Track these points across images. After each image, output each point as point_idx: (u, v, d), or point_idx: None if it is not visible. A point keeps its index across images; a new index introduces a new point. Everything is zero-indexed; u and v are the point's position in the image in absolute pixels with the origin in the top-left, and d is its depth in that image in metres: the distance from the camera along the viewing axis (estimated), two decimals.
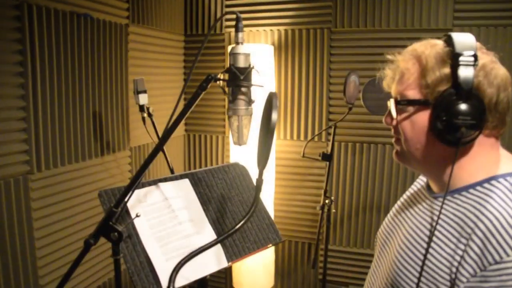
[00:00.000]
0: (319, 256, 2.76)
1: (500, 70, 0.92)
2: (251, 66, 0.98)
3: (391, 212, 1.21)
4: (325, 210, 2.21)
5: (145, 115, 2.02)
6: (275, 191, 2.74)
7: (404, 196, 1.21)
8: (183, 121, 3.01)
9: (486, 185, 0.90)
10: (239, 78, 0.97)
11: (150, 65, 2.54)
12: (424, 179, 1.17)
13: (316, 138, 2.77)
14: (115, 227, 1.06)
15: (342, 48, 2.67)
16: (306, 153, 2.28)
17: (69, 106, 1.89)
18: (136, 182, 1.04)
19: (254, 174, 1.64)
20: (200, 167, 3.04)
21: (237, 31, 1.01)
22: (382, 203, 2.67)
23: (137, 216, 1.12)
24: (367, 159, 2.68)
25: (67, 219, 1.90)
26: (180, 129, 3.01)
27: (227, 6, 2.86)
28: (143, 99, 1.99)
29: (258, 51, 2.55)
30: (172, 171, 2.15)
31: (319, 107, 2.74)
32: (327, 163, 2.22)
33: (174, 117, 1.01)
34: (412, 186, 1.22)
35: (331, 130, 2.25)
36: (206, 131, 3.03)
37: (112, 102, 2.18)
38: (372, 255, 2.73)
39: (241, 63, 0.98)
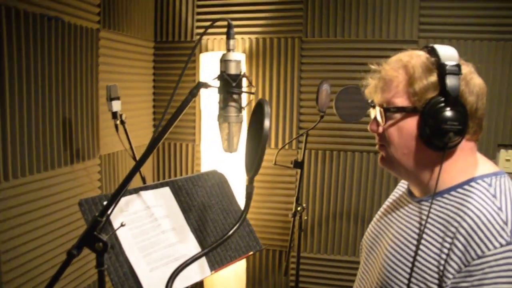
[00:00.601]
0: (290, 264, 2.77)
1: (478, 80, 0.99)
2: (242, 73, 0.98)
3: (374, 219, 1.25)
4: (297, 217, 2.23)
5: (118, 122, 1.98)
6: None
7: (387, 202, 1.25)
8: (152, 129, 2.98)
9: (466, 187, 0.96)
10: (231, 85, 0.96)
11: (120, 71, 2.49)
12: (405, 185, 1.21)
13: (286, 146, 2.79)
14: (99, 237, 1.02)
15: (312, 57, 2.72)
16: (278, 161, 2.29)
17: (38, 112, 1.82)
18: (122, 190, 1.01)
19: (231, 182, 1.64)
20: (170, 176, 2.99)
21: (228, 38, 1.00)
22: (352, 210, 2.73)
23: (122, 225, 1.09)
24: (337, 167, 2.73)
25: (35, 230, 1.81)
26: (149, 137, 2.95)
27: (198, 13, 2.86)
28: (116, 105, 1.94)
29: None
30: (144, 180, 2.11)
31: (289, 115, 2.77)
32: (299, 170, 2.25)
33: (163, 122, 0.99)
34: (394, 193, 1.26)
35: (303, 138, 2.28)
36: (176, 139, 2.98)
37: (82, 108, 2.11)
38: (344, 261, 2.81)
39: (233, 70, 0.98)
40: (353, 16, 2.61)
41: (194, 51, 1.01)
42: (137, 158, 2.05)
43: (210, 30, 2.82)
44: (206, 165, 2.62)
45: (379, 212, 1.25)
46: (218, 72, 1.00)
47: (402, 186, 1.23)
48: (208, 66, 2.58)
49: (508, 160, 2.46)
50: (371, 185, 2.69)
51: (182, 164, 2.98)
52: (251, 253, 1.46)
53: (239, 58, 0.99)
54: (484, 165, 1.01)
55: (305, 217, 2.47)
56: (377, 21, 2.58)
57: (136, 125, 2.64)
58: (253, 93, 0.98)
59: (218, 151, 2.54)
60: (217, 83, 1.01)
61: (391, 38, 2.57)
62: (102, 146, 2.29)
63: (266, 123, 0.90)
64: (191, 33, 2.87)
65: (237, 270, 2.62)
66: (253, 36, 2.76)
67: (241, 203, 1.61)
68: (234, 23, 1.08)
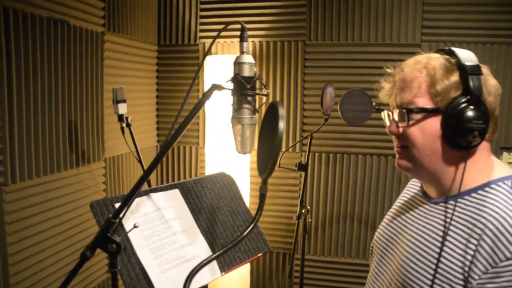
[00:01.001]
0: (294, 266, 2.78)
1: (493, 81, 1.01)
2: (256, 75, 0.99)
3: (386, 220, 1.24)
4: (302, 219, 2.23)
5: (124, 125, 1.98)
6: (250, 201, 2.74)
7: (398, 203, 1.25)
8: (155, 132, 2.98)
9: (487, 189, 0.96)
10: (245, 87, 0.97)
11: (124, 74, 2.50)
12: (416, 187, 1.21)
13: (291, 149, 2.80)
14: (113, 238, 1.02)
15: (315, 60, 2.73)
16: (282, 163, 2.29)
17: (45, 115, 1.82)
18: (136, 191, 1.01)
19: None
20: (173, 179, 2.99)
21: (241, 41, 1.01)
22: (356, 212, 2.73)
23: (135, 226, 1.09)
24: (340, 169, 2.74)
25: (42, 232, 1.81)
26: (152, 140, 2.96)
27: (202, 17, 2.87)
28: (123, 108, 1.95)
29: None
30: (149, 183, 2.11)
31: (293, 118, 2.78)
32: (303, 173, 2.26)
33: (176, 126, 1.00)
34: (404, 194, 1.26)
35: (307, 141, 2.28)
36: (179, 142, 2.98)
37: (87, 111, 2.11)
38: (349, 264, 2.81)
39: (247, 72, 0.99)
40: (356, 20, 2.63)
41: (208, 53, 1.02)
42: (142, 161, 2.07)
43: (213, 34, 2.84)
44: (210, 167, 2.62)
45: (390, 213, 1.25)
46: (229, 75, 1.01)
47: (413, 187, 1.23)
48: (211, 69, 2.58)
49: (511, 163, 2.47)
50: (374, 188, 2.70)
51: (186, 167, 2.98)
52: (260, 254, 1.47)
53: (252, 61, 1.00)
54: (501, 167, 1.02)
55: (310, 220, 2.46)
56: (380, 25, 2.60)
57: (139, 128, 2.64)
58: (266, 95, 0.99)
59: (223, 154, 2.55)
60: (230, 85, 1.01)
61: (394, 41, 2.58)
62: (107, 148, 2.29)
63: (281, 125, 0.91)
64: (195, 36, 2.88)
65: (242, 272, 2.62)
66: (256, 40, 2.77)
67: (248, 204, 1.61)
68: (238, 26, 1.09)
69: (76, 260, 1.95)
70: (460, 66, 0.95)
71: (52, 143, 1.87)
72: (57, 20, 1.88)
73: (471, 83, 0.93)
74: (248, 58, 1.00)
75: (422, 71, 1.00)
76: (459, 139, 0.95)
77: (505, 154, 2.50)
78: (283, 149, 2.77)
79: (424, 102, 0.99)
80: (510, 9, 2.45)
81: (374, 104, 1.30)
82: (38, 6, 1.76)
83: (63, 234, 1.94)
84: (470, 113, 0.93)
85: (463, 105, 0.94)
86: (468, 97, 0.94)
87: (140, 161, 2.08)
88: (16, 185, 1.68)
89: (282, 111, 0.93)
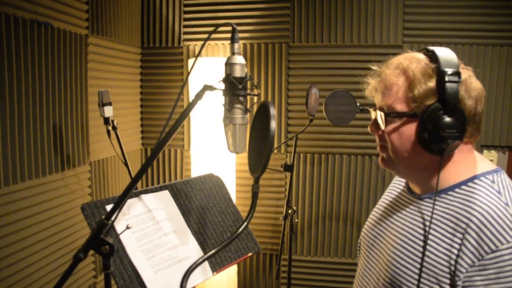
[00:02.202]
0: (281, 266, 2.79)
1: (477, 84, 1.01)
2: (247, 75, 1.01)
3: (372, 217, 1.27)
4: (288, 220, 2.25)
5: (110, 128, 1.97)
6: (237, 203, 2.74)
7: (384, 200, 1.27)
8: (140, 135, 2.96)
9: (470, 184, 0.99)
10: (237, 87, 0.98)
11: (108, 77, 2.48)
12: (401, 182, 1.24)
13: (275, 150, 2.82)
14: (106, 239, 1.02)
15: (299, 62, 2.76)
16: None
17: (29, 118, 1.80)
18: (129, 192, 1.01)
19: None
20: (159, 182, 2.97)
21: (232, 42, 1.03)
22: (342, 212, 2.77)
23: (128, 227, 1.09)
24: (325, 169, 2.77)
25: (28, 237, 1.79)
26: (137, 143, 2.94)
27: (186, 19, 2.87)
28: (108, 111, 1.93)
29: (218, 64, 2.57)
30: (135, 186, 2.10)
31: (278, 120, 2.80)
32: (289, 174, 2.28)
33: (167, 128, 1.01)
34: (389, 190, 1.28)
35: (292, 142, 2.31)
36: None
37: (71, 114, 2.09)
38: (336, 263, 2.83)
39: (238, 73, 1.00)
40: (338, 22, 2.67)
41: (199, 54, 1.03)
42: (128, 164, 2.05)
43: (197, 36, 2.84)
44: (196, 170, 2.62)
45: (376, 210, 1.27)
46: (215, 77, 1.02)
47: (398, 183, 1.26)
48: (196, 71, 2.58)
49: (491, 160, 2.54)
50: (359, 187, 2.74)
51: (171, 170, 2.97)
52: (250, 254, 1.48)
53: (243, 62, 1.01)
54: (483, 163, 1.05)
55: (296, 220, 2.49)
56: (362, 27, 2.64)
57: (124, 131, 2.62)
58: (257, 95, 1.00)
59: (209, 156, 2.55)
60: (221, 85, 1.02)
61: (376, 43, 2.63)
62: (92, 152, 2.27)
63: (272, 124, 0.92)
64: (178, 39, 2.88)
65: (229, 274, 2.63)
66: (240, 42, 2.78)
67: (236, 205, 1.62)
68: (221, 29, 1.10)
69: (64, 264, 1.94)
70: (438, 73, 0.95)
71: (36, 147, 1.84)
72: (40, 23, 1.86)
73: (447, 91, 0.93)
74: (239, 59, 1.01)
75: (401, 76, 1.01)
76: (433, 145, 0.96)
77: (485, 152, 2.57)
78: None
79: (402, 107, 1.00)
80: (490, 11, 2.52)
81: (358, 104, 1.33)
82: (21, 8, 1.74)
83: (49, 239, 1.91)
84: (443, 122, 0.93)
85: (437, 113, 0.94)
86: (443, 105, 0.94)
87: (126, 164, 2.06)
88: (0, 190, 1.65)
89: (273, 111, 0.94)
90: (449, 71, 0.94)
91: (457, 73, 0.94)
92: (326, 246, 2.81)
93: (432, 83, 0.96)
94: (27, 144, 1.78)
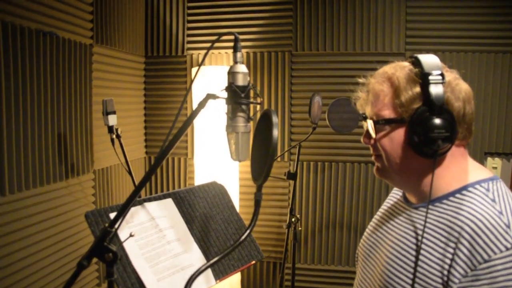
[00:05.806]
0: (285, 275, 2.78)
1: (464, 85, 1.01)
2: (250, 84, 1.01)
3: (369, 227, 1.26)
4: (292, 228, 2.25)
5: (114, 136, 1.98)
6: (240, 211, 2.75)
7: (381, 210, 1.27)
8: (143, 143, 2.98)
9: (464, 192, 0.98)
10: (239, 96, 0.99)
11: (112, 86, 2.50)
12: (399, 193, 1.24)
13: (279, 158, 2.83)
14: (109, 247, 1.03)
15: (302, 70, 2.78)
16: (271, 172, 2.31)
17: (34, 127, 1.81)
18: (132, 200, 1.02)
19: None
20: (162, 190, 2.98)
21: (235, 51, 1.04)
22: (345, 220, 2.76)
23: (131, 235, 1.10)
24: (329, 177, 2.77)
25: (32, 245, 1.79)
26: (141, 152, 2.95)
27: (189, 28, 2.89)
28: (112, 120, 1.95)
29: (221, 73, 2.59)
30: (139, 194, 2.10)
31: (281, 128, 2.81)
32: (292, 182, 2.28)
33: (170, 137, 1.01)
34: (387, 201, 1.28)
35: (295, 150, 2.31)
36: None
37: (76, 123, 2.11)
38: (339, 271, 2.82)
39: (241, 82, 1.01)
40: (341, 30, 2.68)
41: (202, 63, 1.04)
42: (132, 172, 2.06)
43: (201, 45, 2.86)
44: (199, 178, 2.63)
45: (374, 220, 1.27)
46: (217, 85, 1.03)
47: (396, 193, 1.25)
48: (199, 80, 2.60)
49: (495, 168, 2.54)
50: (363, 195, 2.73)
51: (174, 178, 2.98)
52: (253, 262, 1.48)
53: (246, 70, 1.02)
54: (478, 170, 1.04)
55: (299, 228, 2.49)
56: (365, 35, 2.66)
57: (128, 140, 2.64)
58: (260, 104, 1.01)
59: (212, 164, 2.56)
60: (224, 94, 1.03)
61: (379, 51, 2.65)
62: (96, 160, 2.29)
63: (275, 132, 0.93)
64: (182, 48, 2.90)
65: (232, 282, 2.62)
66: (243, 50, 2.81)
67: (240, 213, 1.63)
68: (225, 37, 1.12)
69: (68, 272, 1.95)
70: (422, 76, 0.96)
71: (41, 155, 1.86)
72: (46, 33, 1.88)
73: (431, 92, 0.94)
74: (242, 68, 1.02)
75: (386, 83, 1.02)
76: (424, 148, 0.96)
77: (489, 159, 2.56)
78: None
79: (389, 113, 1.01)
80: (492, 18, 2.53)
81: (361, 113, 1.34)
82: (27, 18, 1.77)
83: (53, 247, 1.92)
84: (431, 123, 0.93)
85: (424, 115, 0.95)
86: (429, 106, 0.94)
87: (130, 173, 2.07)
88: (5, 198, 1.67)
89: (275, 119, 0.95)
90: (432, 72, 0.95)
91: (440, 74, 0.95)
92: (330, 254, 2.80)
93: (417, 88, 0.97)
94: (31, 152, 1.80)
